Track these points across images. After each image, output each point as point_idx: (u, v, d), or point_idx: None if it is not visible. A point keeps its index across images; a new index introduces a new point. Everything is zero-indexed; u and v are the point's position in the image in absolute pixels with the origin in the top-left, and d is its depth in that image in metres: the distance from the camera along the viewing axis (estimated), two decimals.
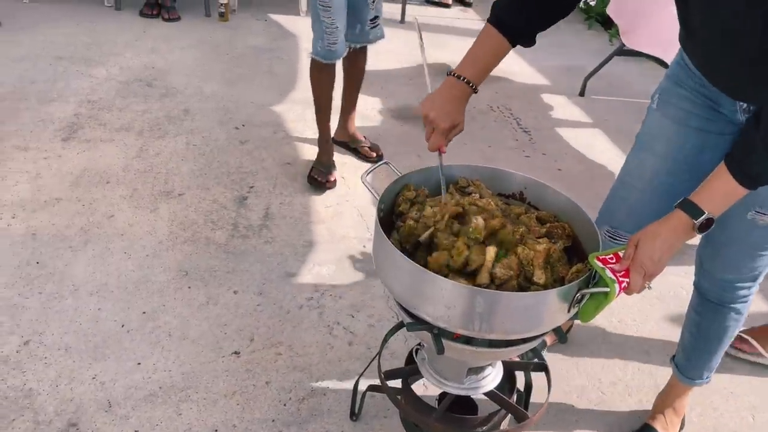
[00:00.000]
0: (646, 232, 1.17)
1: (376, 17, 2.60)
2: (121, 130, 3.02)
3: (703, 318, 1.64)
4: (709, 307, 1.61)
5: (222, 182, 2.71)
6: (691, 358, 1.71)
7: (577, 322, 1.98)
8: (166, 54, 3.93)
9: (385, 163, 1.44)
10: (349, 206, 2.65)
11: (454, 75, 1.35)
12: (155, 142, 2.95)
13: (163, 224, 2.41)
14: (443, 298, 1.12)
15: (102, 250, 2.26)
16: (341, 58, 2.57)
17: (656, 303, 2.29)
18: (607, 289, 1.12)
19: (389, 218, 1.40)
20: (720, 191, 1.14)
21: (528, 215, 1.36)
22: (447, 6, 5.60)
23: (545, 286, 1.18)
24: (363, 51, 2.75)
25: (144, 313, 2.01)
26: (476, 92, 1.36)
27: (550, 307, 1.14)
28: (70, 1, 4.67)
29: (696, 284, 1.65)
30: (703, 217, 1.12)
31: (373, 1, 2.54)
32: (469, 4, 5.69)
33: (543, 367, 1.54)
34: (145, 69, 3.68)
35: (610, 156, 3.26)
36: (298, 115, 3.36)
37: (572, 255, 1.34)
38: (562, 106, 3.79)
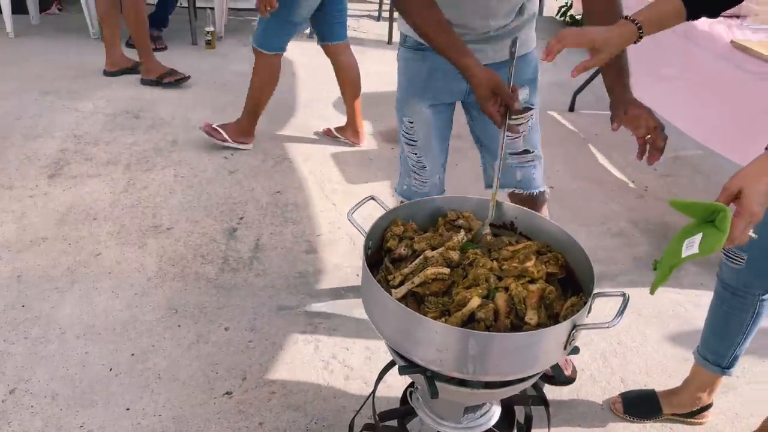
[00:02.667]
0: (747, 176, 1.06)
1: (527, 151, 1.82)
2: (108, 164, 2.98)
3: None
4: None
5: (211, 214, 2.67)
6: None
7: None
8: (153, 84, 3.90)
9: (372, 198, 1.40)
10: (341, 233, 2.62)
11: (627, 17, 1.34)
12: (143, 175, 2.91)
13: (151, 260, 2.37)
14: (435, 342, 1.07)
15: (89, 290, 2.21)
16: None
17: (654, 322, 2.25)
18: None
19: (378, 254, 1.36)
20: None
21: (527, 245, 1.32)
22: None
23: (539, 325, 1.14)
24: (530, 198, 1.88)
25: (132, 355, 1.96)
26: (640, 39, 1.33)
27: (546, 347, 1.10)
28: (57, 34, 4.67)
29: None
30: None
31: (518, 123, 1.74)
32: None
33: (542, 401, 1.49)
34: (132, 100, 3.66)
35: (603, 171, 3.23)
36: (287, 141, 3.34)
37: (567, 286, 1.31)
38: (552, 122, 3.78)
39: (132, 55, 4.03)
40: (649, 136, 1.41)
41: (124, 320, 2.09)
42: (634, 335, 2.18)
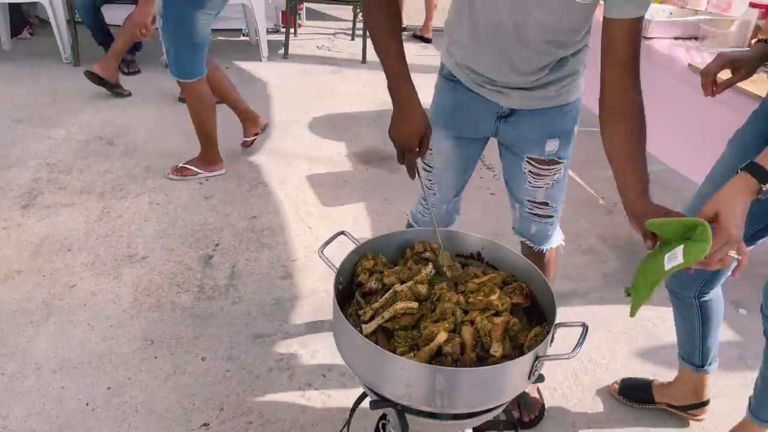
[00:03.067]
0: (721, 200, 1.11)
1: (545, 204, 1.74)
2: (81, 192, 2.98)
3: None
4: None
5: (186, 241, 2.68)
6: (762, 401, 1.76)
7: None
8: (126, 109, 3.91)
9: (342, 233, 1.44)
10: (317, 257, 2.62)
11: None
12: (117, 203, 2.92)
13: (126, 291, 2.37)
14: (403, 378, 1.11)
15: (64, 322, 2.21)
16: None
17: (623, 338, 2.31)
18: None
19: (350, 287, 1.40)
20: None
21: (491, 277, 1.37)
22: (428, 41, 5.79)
23: (504, 357, 1.18)
24: (540, 253, 1.84)
25: (109, 388, 1.96)
26: None
27: (510, 378, 1.14)
28: (28, 60, 4.65)
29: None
30: None
31: (535, 176, 1.68)
32: (428, 41, 5.80)
33: (513, 425, 1.53)
34: (105, 126, 3.66)
35: (572, 188, 3.31)
36: (262, 165, 3.37)
37: (532, 314, 1.36)
38: None
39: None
40: None
41: (99, 353, 2.09)
42: (604, 352, 2.24)
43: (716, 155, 1.73)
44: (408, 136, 1.43)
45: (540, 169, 1.67)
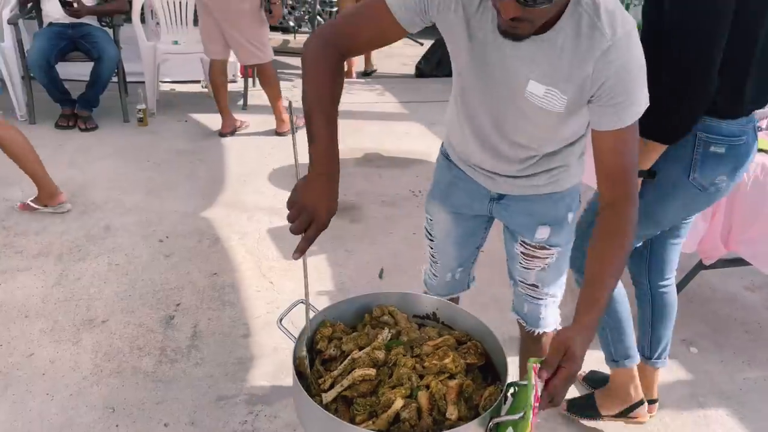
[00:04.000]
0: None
1: (535, 286, 1.72)
2: (39, 256, 2.95)
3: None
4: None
5: (147, 302, 2.67)
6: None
7: None
8: (84, 167, 3.90)
9: (301, 302, 1.48)
10: (279, 313, 2.65)
11: None
12: (75, 265, 2.89)
13: (86, 357, 2.35)
14: None
15: (23, 393, 2.17)
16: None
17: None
18: (518, 416, 1.16)
19: (310, 354, 1.43)
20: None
21: (445, 339, 1.42)
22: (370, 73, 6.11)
23: (459, 419, 1.23)
24: (531, 334, 1.80)
25: None
26: None
27: None
28: None
29: None
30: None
31: (527, 258, 1.67)
32: (371, 73, 6.13)
33: None
34: (62, 185, 3.61)
35: None
36: (223, 219, 3.38)
37: (486, 373, 1.41)
38: None
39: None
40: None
41: (60, 424, 2.06)
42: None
43: None
44: (320, 208, 1.28)
45: (532, 250, 1.65)
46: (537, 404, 1.15)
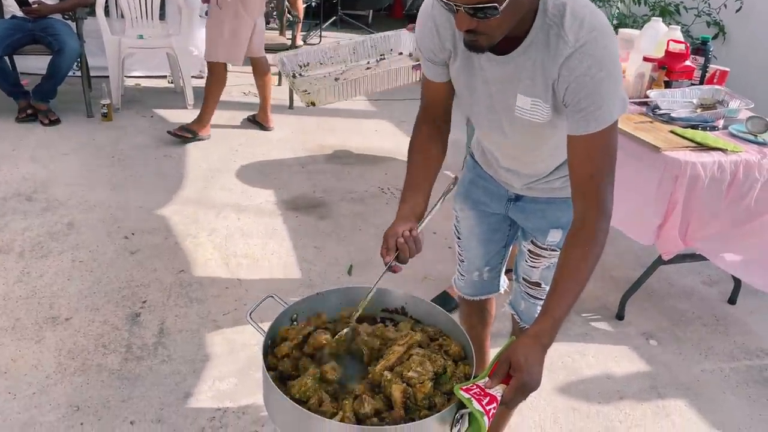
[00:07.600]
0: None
1: (538, 284, 1.76)
2: None
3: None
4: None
5: (112, 300, 2.64)
6: None
7: None
8: (46, 162, 3.82)
9: (270, 296, 1.48)
10: (247, 310, 2.64)
11: None
12: (38, 262, 2.84)
13: (49, 355, 2.31)
14: None
15: None
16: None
17: (545, 374, 2.41)
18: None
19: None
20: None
21: (420, 332, 1.44)
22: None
23: (431, 408, 1.25)
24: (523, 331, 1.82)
25: None
26: None
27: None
28: None
29: None
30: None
31: (534, 256, 1.71)
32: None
33: None
34: (23, 181, 3.56)
35: None
36: (190, 216, 3.35)
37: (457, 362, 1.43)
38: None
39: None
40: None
41: (22, 423, 2.02)
42: None
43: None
44: (388, 235, 1.37)
45: (540, 250, 1.69)
46: (491, 407, 1.17)
